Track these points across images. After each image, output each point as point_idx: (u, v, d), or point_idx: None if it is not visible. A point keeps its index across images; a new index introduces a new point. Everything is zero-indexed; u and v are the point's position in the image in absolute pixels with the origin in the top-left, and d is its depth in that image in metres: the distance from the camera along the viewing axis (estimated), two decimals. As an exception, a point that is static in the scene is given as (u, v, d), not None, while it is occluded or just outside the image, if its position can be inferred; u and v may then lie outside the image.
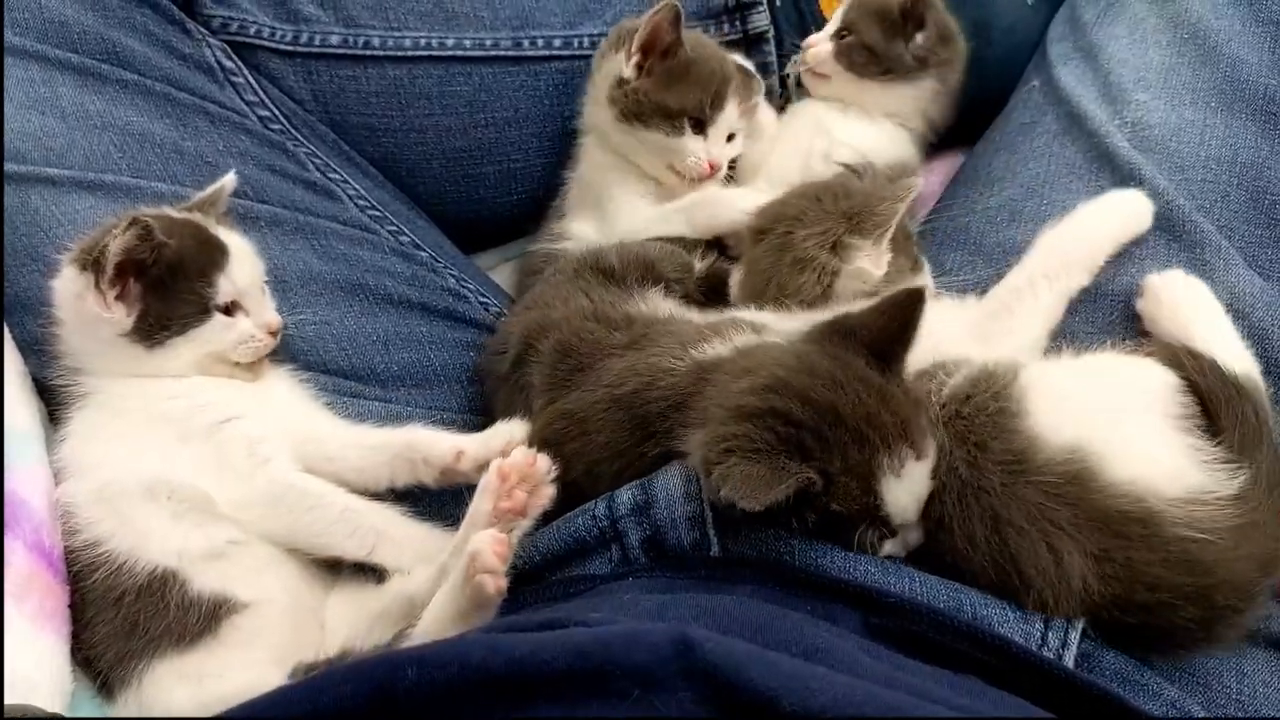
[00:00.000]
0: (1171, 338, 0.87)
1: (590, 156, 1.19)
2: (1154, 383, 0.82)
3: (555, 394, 0.93)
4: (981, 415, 0.81)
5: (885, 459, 0.75)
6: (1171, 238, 0.96)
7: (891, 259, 0.96)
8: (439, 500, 0.92)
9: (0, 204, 0.96)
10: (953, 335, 0.91)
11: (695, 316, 0.99)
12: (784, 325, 0.90)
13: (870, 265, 0.95)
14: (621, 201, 1.15)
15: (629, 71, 1.11)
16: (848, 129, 1.20)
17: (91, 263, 0.83)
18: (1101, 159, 1.04)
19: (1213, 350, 0.84)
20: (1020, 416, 0.80)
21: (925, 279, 1.01)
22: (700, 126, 1.13)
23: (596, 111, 1.17)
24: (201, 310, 0.88)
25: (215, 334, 0.89)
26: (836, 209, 0.97)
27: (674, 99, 1.11)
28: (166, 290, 0.86)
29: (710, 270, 1.08)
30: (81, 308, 0.85)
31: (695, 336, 0.87)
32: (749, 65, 1.22)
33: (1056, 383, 0.83)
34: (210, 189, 0.96)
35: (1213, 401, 0.80)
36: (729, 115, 1.14)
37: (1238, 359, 0.84)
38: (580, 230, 1.17)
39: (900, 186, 0.98)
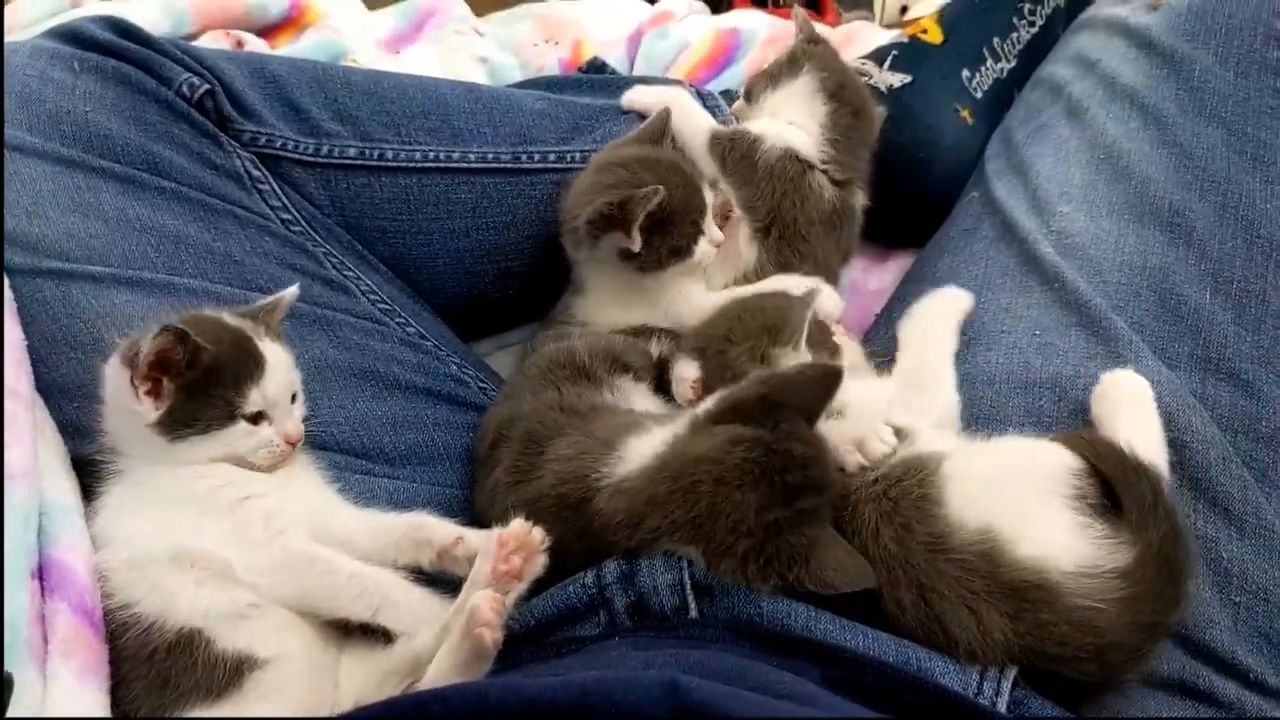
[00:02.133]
0: (1106, 426, 0.96)
1: (615, 274, 1.23)
2: (1053, 466, 0.90)
3: (519, 478, 0.99)
4: (907, 499, 0.90)
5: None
6: (1090, 333, 1.05)
7: (814, 355, 1.08)
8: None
9: (1, 214, 1.01)
10: (887, 405, 1.01)
11: (653, 406, 1.06)
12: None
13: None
14: (675, 292, 1.23)
15: (636, 246, 1.16)
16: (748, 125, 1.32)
17: (130, 359, 0.87)
18: (1030, 263, 1.13)
19: (1124, 437, 0.91)
20: (941, 505, 0.89)
21: (852, 352, 1.14)
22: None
23: (602, 269, 1.23)
24: (228, 416, 0.91)
25: (237, 439, 0.92)
26: (756, 324, 1.09)
27: (680, 238, 1.19)
28: (198, 392, 0.89)
29: (660, 357, 1.14)
30: (119, 396, 0.90)
31: (607, 444, 0.93)
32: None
33: (971, 473, 0.91)
34: (269, 299, 1.00)
35: (1114, 482, 0.88)
36: (707, 215, 1.22)
37: (1147, 448, 0.91)
38: (604, 316, 1.25)
39: (806, 295, 1.10)
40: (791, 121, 1.31)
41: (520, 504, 0.95)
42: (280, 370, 0.95)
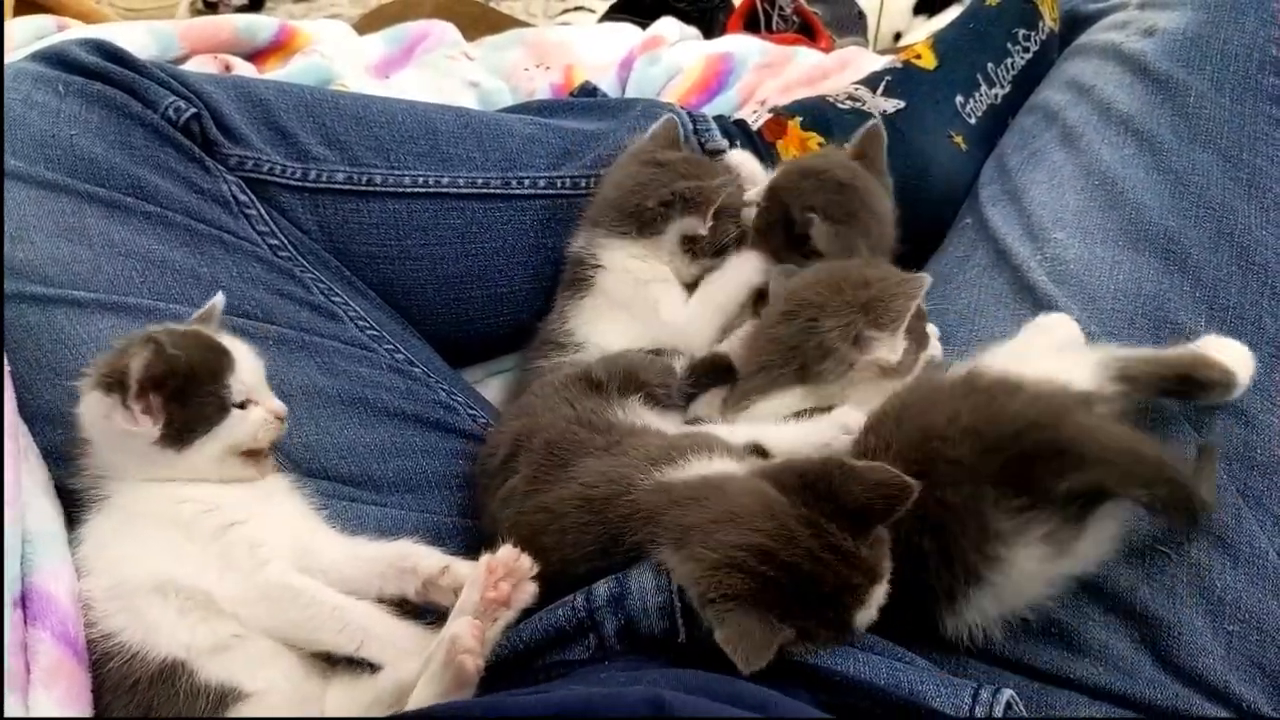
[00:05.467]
0: None
1: (622, 278, 1.26)
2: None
3: (538, 486, 0.98)
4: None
5: (858, 610, 0.83)
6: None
7: (906, 345, 1.05)
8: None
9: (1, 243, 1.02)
10: None
11: (667, 427, 1.05)
12: (738, 437, 0.99)
13: (887, 353, 1.04)
14: (668, 301, 1.26)
15: (706, 230, 1.23)
16: None
17: (116, 384, 0.87)
18: (1024, 290, 1.13)
19: None
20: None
21: (934, 348, 1.11)
22: None
23: (653, 264, 1.26)
24: (221, 409, 0.92)
25: (236, 428, 0.92)
26: (856, 299, 1.05)
27: (728, 229, 1.27)
28: (187, 396, 0.90)
29: (710, 359, 1.17)
30: (110, 426, 0.89)
31: (660, 455, 0.93)
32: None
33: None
34: (203, 309, 1.00)
35: None
36: None
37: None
38: (601, 338, 1.23)
39: (914, 281, 1.06)
40: None
41: (538, 509, 0.95)
42: (246, 355, 0.96)
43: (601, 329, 1.24)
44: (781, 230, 1.23)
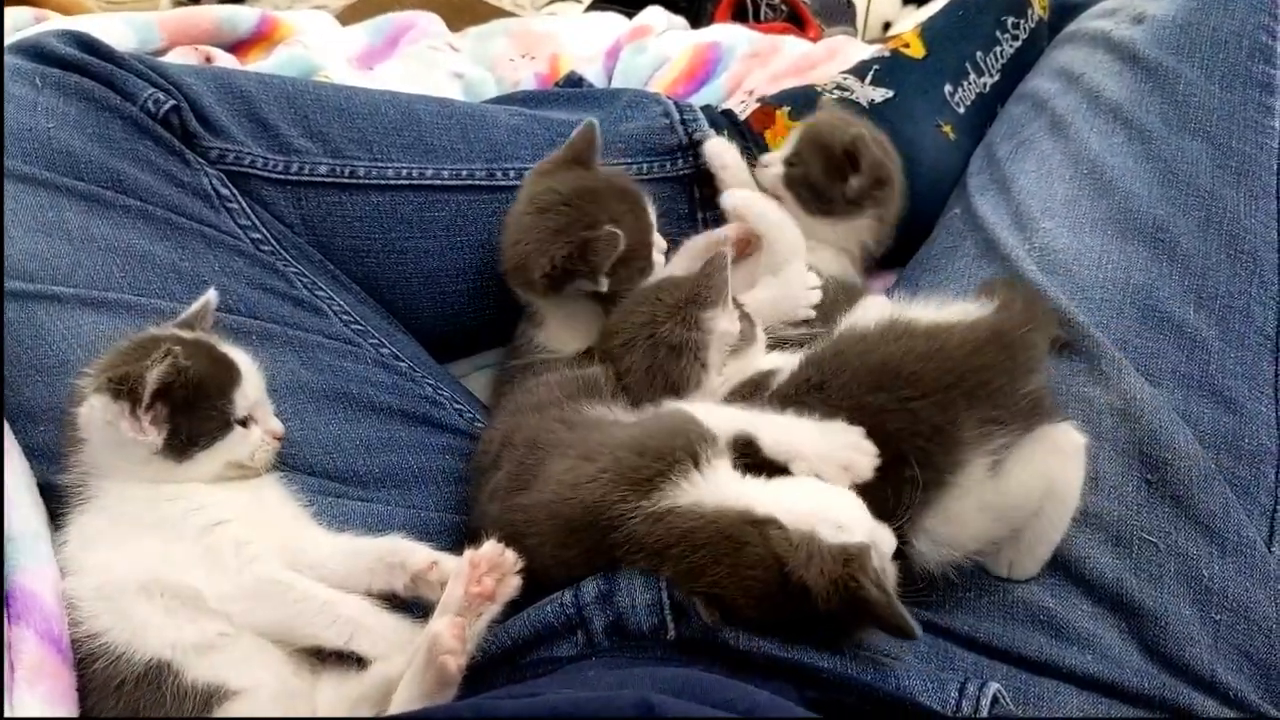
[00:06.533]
0: None
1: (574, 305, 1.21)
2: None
3: (520, 483, 0.97)
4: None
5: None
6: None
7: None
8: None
9: (0, 307, 1.00)
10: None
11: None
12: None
13: (727, 324, 1.08)
14: None
15: (605, 288, 1.14)
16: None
17: (126, 392, 0.86)
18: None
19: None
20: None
21: (760, 340, 1.13)
22: None
23: (561, 303, 1.19)
24: (224, 425, 0.92)
25: (236, 445, 0.93)
26: (677, 298, 1.09)
27: (640, 262, 1.19)
28: (192, 409, 0.90)
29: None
30: (114, 432, 0.88)
31: (636, 476, 0.89)
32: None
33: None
34: (196, 305, 0.99)
35: None
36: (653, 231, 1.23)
37: None
38: (567, 345, 1.20)
39: (716, 259, 1.09)
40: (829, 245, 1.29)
41: (519, 509, 0.95)
42: (252, 371, 0.97)
43: (568, 345, 1.21)
44: (809, 185, 1.27)
